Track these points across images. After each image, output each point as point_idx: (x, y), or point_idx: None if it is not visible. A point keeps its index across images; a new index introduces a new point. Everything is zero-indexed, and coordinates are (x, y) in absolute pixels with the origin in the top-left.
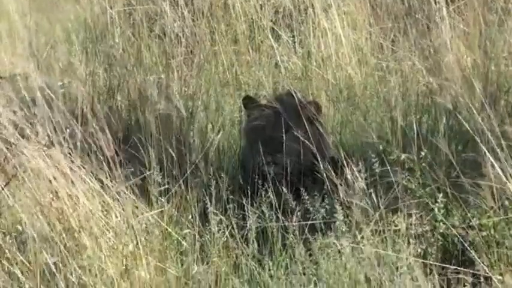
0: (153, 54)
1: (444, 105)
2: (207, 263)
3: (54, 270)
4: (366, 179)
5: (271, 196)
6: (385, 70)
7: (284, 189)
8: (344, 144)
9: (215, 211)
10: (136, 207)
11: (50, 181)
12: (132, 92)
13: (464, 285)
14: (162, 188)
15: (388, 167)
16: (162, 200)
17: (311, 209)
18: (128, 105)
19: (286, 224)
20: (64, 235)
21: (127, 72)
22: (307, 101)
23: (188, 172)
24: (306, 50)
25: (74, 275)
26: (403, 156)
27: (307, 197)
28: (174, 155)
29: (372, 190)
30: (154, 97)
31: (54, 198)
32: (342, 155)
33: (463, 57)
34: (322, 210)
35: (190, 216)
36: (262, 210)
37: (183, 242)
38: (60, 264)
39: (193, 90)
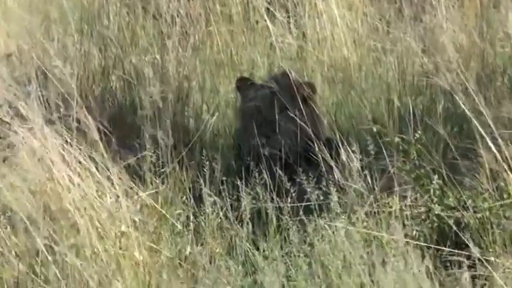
0: (148, 35)
1: (440, 86)
2: (201, 244)
3: (46, 252)
4: (361, 160)
5: (266, 177)
6: (381, 51)
7: (279, 170)
8: (339, 126)
9: (209, 192)
10: (131, 188)
11: (44, 161)
12: (127, 72)
13: (459, 268)
14: (157, 169)
15: (383, 149)
16: (157, 181)
17: (307, 189)
18: (122, 85)
19: (281, 205)
20: (58, 216)
21: (122, 53)
22: (302, 82)
23: (183, 153)
24: (301, 31)
25: (67, 257)
26: (398, 138)
27: (301, 179)
28: (168, 136)
29: (366, 172)
30: (149, 78)
31: (48, 179)
32: (337, 137)
33: (459, 38)
34: (317, 192)
35: (184, 198)
36: (257, 192)
37: (177, 224)
38: (54, 245)
39: (188, 71)
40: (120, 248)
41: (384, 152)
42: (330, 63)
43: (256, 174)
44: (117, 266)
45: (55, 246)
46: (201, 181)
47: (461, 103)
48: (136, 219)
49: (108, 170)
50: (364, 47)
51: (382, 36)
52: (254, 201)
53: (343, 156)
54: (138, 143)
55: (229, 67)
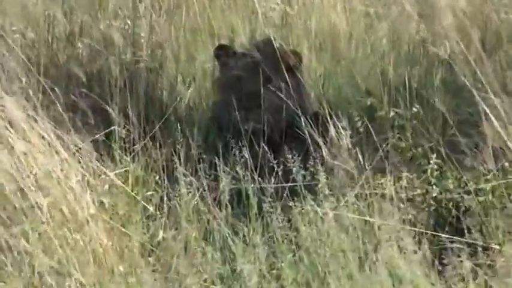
0: None
1: (438, 55)
2: (176, 229)
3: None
4: (351, 137)
5: (247, 155)
6: (373, 17)
7: (261, 147)
8: (327, 99)
9: (185, 172)
10: (98, 167)
11: (3, 136)
12: (95, 39)
13: (459, 256)
14: (127, 145)
15: (376, 125)
16: (127, 158)
17: (292, 169)
18: (90, 53)
19: (263, 186)
20: (19, 195)
21: (89, 18)
22: (288, 50)
23: (156, 128)
24: None
25: (28, 241)
26: (393, 112)
27: (286, 157)
28: (140, 109)
29: (357, 150)
30: (119, 45)
31: (8, 154)
32: (325, 111)
33: (459, 2)
34: (303, 172)
35: (157, 177)
36: (237, 171)
37: (149, 206)
38: (15, 229)
39: (162, 38)
40: (86, 233)
41: (377, 128)
42: (318, 30)
43: (237, 152)
44: (82, 252)
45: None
46: (176, 159)
47: (461, 75)
48: (105, 201)
49: (75, 146)
50: (355, 13)
51: (375, 0)
52: (234, 182)
53: (332, 133)
54: (107, 116)
55: (207, 34)
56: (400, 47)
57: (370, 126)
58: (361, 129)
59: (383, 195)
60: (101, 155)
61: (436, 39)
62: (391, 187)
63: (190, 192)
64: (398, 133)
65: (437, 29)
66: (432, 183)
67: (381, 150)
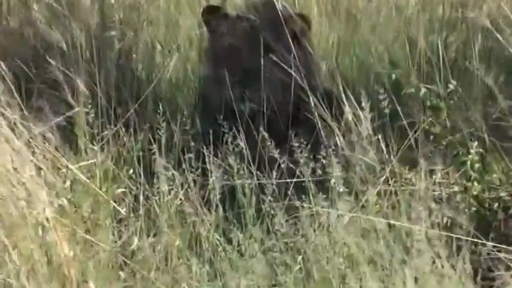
0: None
1: (479, 21)
2: (154, 235)
3: None
4: (372, 121)
5: (243, 144)
6: None
7: (261, 132)
8: (343, 74)
9: (166, 164)
10: (58, 157)
11: None
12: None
13: (507, 269)
14: (94, 131)
15: (403, 105)
16: (94, 148)
17: (299, 161)
18: (48, 17)
19: (263, 182)
20: None
21: None
22: (293, 13)
23: (131, 111)
24: None
25: None
26: (424, 89)
27: (292, 146)
28: (110, 86)
29: (380, 137)
30: (85, 7)
31: None
32: (340, 88)
33: None
34: (312, 164)
35: (131, 171)
36: (230, 163)
37: (120, 209)
38: None
39: None
40: (42, 241)
41: (404, 109)
42: None
43: (230, 140)
44: (37, 265)
45: None
46: (155, 149)
47: (505, 44)
48: (65, 201)
49: (28, 133)
50: None
51: None
52: (226, 177)
53: (348, 116)
54: (70, 95)
55: None
56: (432, 10)
57: (396, 106)
58: (384, 111)
59: (412, 194)
60: (62, 144)
61: (475, 1)
62: (422, 183)
63: (172, 189)
64: (430, 116)
65: None
66: (473, 178)
67: (409, 137)
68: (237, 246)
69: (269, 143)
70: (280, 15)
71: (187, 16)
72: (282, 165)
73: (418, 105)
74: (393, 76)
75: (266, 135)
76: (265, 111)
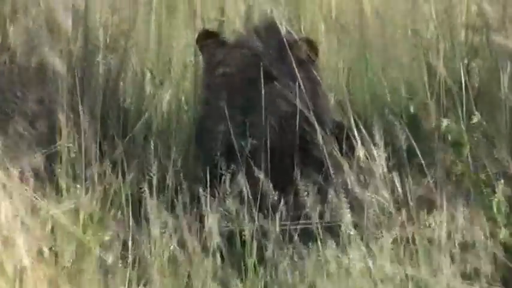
0: None
1: (506, 45)
2: (145, 286)
3: None
4: (386, 158)
5: (243, 183)
6: None
7: (262, 172)
8: (354, 104)
9: (158, 206)
10: (37, 199)
11: None
12: (33, 18)
13: None
14: (78, 169)
15: (422, 140)
16: (77, 188)
17: (305, 202)
18: (25, 39)
19: (265, 226)
20: None
21: None
22: (297, 38)
23: (118, 147)
24: None
25: None
26: (445, 122)
27: (297, 185)
28: (96, 118)
29: (395, 176)
30: (66, 30)
31: None
32: (351, 121)
33: None
34: (320, 207)
35: (119, 214)
36: (229, 206)
37: (106, 257)
38: None
39: (125, 18)
40: None
41: (423, 145)
42: (339, 8)
43: (228, 179)
44: None
45: None
46: (145, 189)
47: None
48: (45, 249)
49: (4, 171)
50: None
51: None
52: (225, 221)
53: (360, 152)
54: (50, 129)
55: (187, 14)
56: (454, 33)
57: (413, 142)
58: (400, 147)
59: (431, 240)
60: (42, 183)
61: (505, 24)
62: (443, 228)
63: (164, 234)
64: (451, 152)
65: (507, 10)
66: (499, 222)
67: (428, 177)
68: None
69: (272, 183)
70: (284, 40)
71: (181, 41)
72: (286, 208)
73: (438, 141)
74: (410, 108)
75: (268, 174)
76: (267, 147)
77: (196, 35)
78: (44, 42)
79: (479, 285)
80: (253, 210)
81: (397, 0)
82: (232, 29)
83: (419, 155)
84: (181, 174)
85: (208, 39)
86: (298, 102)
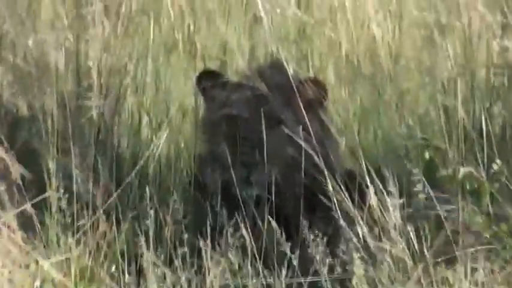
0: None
1: None
2: None
3: None
4: (401, 208)
5: (246, 235)
6: (434, 27)
7: (267, 223)
8: (366, 150)
9: (155, 260)
10: (27, 253)
11: None
12: (22, 60)
13: None
14: (69, 220)
15: (439, 189)
16: (69, 240)
17: (314, 256)
18: (14, 81)
19: (271, 281)
20: None
21: (13, 28)
22: (306, 79)
23: (113, 196)
24: None
25: None
26: (464, 170)
27: (305, 238)
28: (89, 166)
29: (410, 227)
30: (57, 70)
31: None
32: (363, 168)
33: None
34: (330, 260)
35: (113, 268)
36: (231, 259)
37: None
38: None
39: (120, 59)
40: None
41: (440, 194)
42: (350, 47)
43: (230, 230)
44: None
45: None
46: (142, 241)
47: None
48: None
49: None
50: (405, 20)
51: (437, 3)
52: (227, 276)
53: (373, 201)
54: (40, 178)
55: (187, 53)
56: (473, 74)
57: (429, 191)
58: (418, 196)
59: None
60: (31, 234)
61: None
62: (462, 284)
63: None
64: (472, 202)
65: None
66: None
67: (446, 228)
68: None
69: (278, 235)
70: (291, 80)
71: (180, 81)
72: (294, 261)
73: (456, 190)
74: (426, 153)
75: (274, 225)
76: (272, 195)
77: (196, 76)
78: (33, 82)
79: None
80: (258, 264)
81: (413, 36)
82: (235, 69)
83: (436, 205)
84: (180, 225)
85: (209, 80)
86: (305, 148)
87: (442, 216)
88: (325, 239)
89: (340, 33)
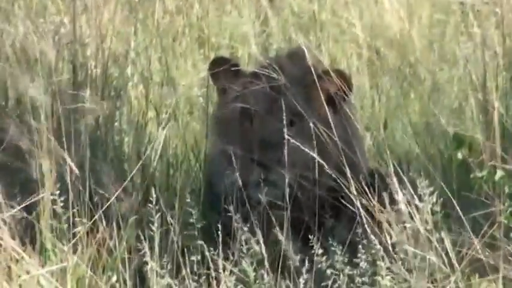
0: None
1: None
2: None
3: None
4: (432, 213)
5: (260, 242)
6: (467, 12)
7: (284, 229)
8: (392, 149)
9: (160, 270)
10: (17, 261)
11: None
12: (10, 51)
13: None
14: (64, 225)
15: (473, 192)
16: (64, 248)
17: (333, 265)
18: (3, 74)
19: None
20: None
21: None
22: (327, 69)
23: (112, 198)
24: None
25: None
26: (500, 172)
27: (325, 246)
28: (86, 166)
29: (444, 234)
30: (49, 60)
31: None
32: (390, 169)
33: None
34: (352, 270)
35: (114, 278)
36: (244, 268)
37: None
38: None
39: (120, 46)
40: None
41: (474, 197)
42: (374, 37)
43: (243, 238)
44: None
45: None
46: (145, 249)
47: None
48: None
49: None
50: (438, 6)
51: None
52: (240, 286)
53: (401, 205)
54: (31, 179)
55: (194, 41)
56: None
57: (465, 193)
58: (448, 198)
59: None
60: (23, 241)
61: None
62: None
63: None
64: (510, 205)
65: None
66: None
67: (482, 234)
68: None
69: (294, 241)
70: (312, 71)
71: (188, 72)
72: (312, 271)
73: (493, 193)
74: (459, 154)
75: (290, 230)
76: (288, 198)
77: (209, 63)
78: (23, 75)
79: None
80: (273, 274)
81: (446, 23)
82: (249, 58)
83: (472, 209)
84: (188, 231)
85: (221, 68)
86: (327, 145)
87: (479, 220)
88: (346, 246)
89: (363, 19)
